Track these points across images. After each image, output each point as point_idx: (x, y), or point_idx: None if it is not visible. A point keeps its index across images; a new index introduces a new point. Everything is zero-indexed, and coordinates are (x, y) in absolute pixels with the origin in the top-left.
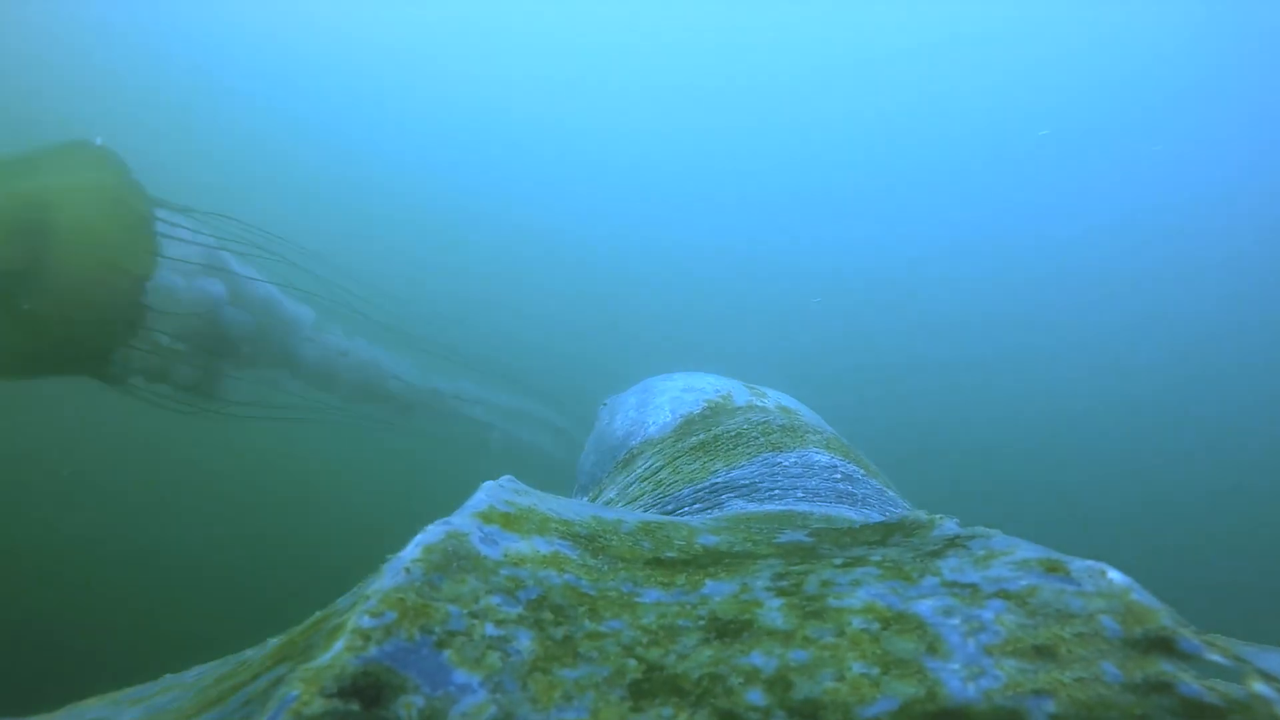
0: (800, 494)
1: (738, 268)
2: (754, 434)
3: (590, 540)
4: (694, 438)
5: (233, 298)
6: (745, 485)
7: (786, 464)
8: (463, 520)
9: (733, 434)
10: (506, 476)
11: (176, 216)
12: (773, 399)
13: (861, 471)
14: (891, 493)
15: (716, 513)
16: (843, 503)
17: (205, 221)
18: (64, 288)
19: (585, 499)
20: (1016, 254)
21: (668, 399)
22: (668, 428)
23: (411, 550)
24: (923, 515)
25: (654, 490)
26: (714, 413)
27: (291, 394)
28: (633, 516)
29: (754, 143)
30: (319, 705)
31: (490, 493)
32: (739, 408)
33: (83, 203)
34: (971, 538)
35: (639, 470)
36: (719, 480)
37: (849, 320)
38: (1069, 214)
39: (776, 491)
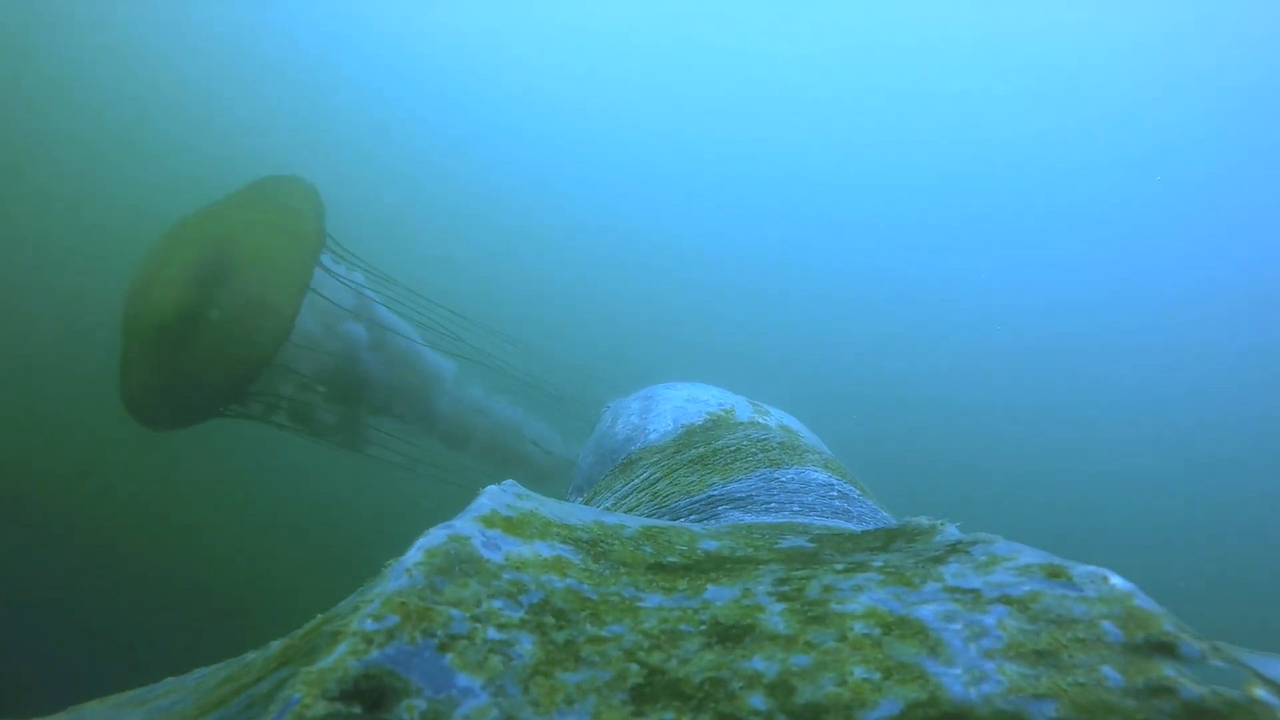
0: (796, 508)
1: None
2: (752, 450)
3: (592, 545)
4: (693, 450)
5: (374, 345)
6: (742, 498)
7: (784, 479)
8: (465, 524)
9: (732, 449)
10: (509, 481)
11: (336, 266)
12: (775, 418)
13: (857, 492)
14: (885, 514)
15: (714, 523)
16: (838, 519)
17: (358, 267)
18: (224, 329)
19: (580, 499)
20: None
21: (671, 407)
22: (668, 436)
23: (413, 554)
24: (924, 521)
25: (651, 501)
26: (715, 425)
27: (424, 448)
28: (635, 521)
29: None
30: (321, 708)
31: (492, 497)
32: (740, 423)
33: (257, 247)
34: (974, 543)
35: (637, 480)
36: (715, 493)
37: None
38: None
39: (773, 505)
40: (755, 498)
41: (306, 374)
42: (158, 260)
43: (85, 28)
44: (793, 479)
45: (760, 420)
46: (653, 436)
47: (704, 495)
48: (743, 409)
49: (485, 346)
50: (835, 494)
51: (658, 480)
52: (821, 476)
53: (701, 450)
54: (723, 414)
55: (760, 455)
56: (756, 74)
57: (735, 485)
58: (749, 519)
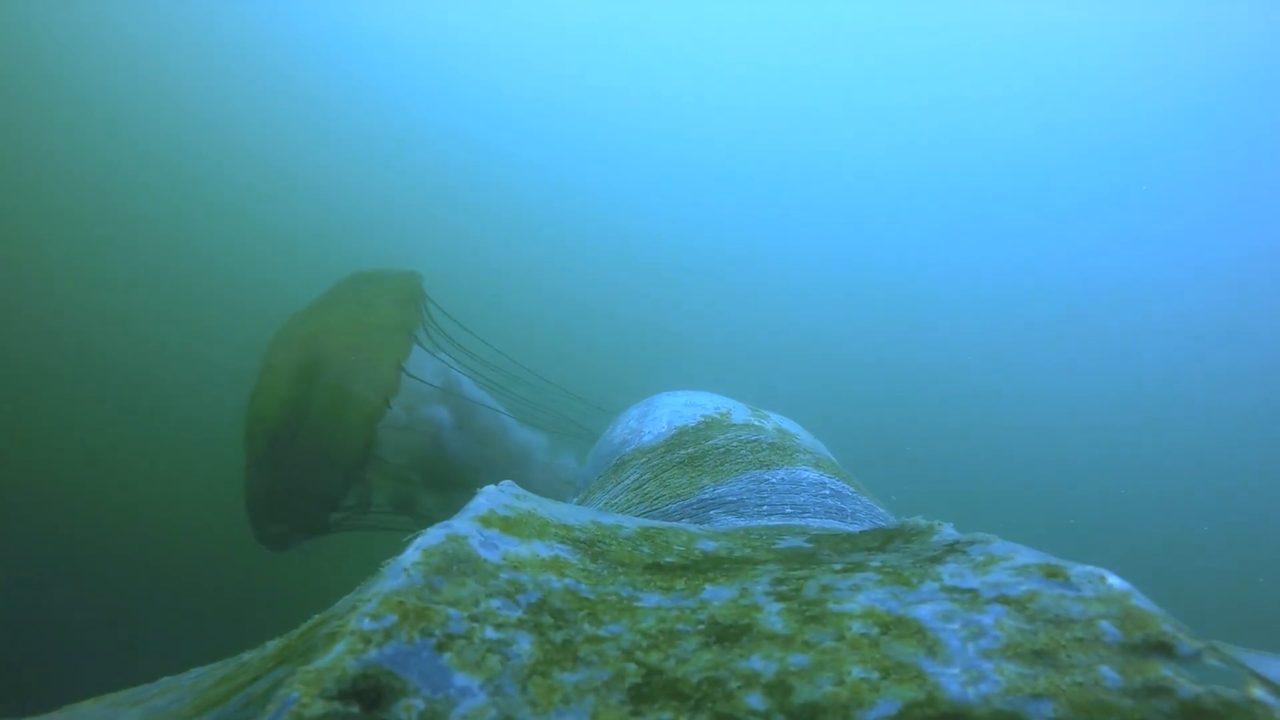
0: (789, 509)
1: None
2: (742, 451)
3: (590, 545)
4: (683, 450)
5: (459, 422)
6: (733, 501)
7: (774, 480)
8: (462, 524)
9: (721, 450)
10: (506, 482)
11: (427, 346)
12: (773, 421)
13: (851, 489)
14: (881, 510)
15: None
16: (833, 518)
17: (449, 349)
18: (316, 429)
19: (574, 501)
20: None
21: (668, 412)
22: (660, 437)
23: (411, 553)
24: (922, 521)
25: (640, 503)
26: (708, 427)
27: None
28: (632, 521)
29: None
30: (319, 707)
31: (490, 497)
32: (734, 425)
33: (351, 345)
34: (971, 543)
35: (627, 480)
36: (707, 496)
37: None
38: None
39: (765, 508)
40: (746, 501)
41: (399, 463)
42: (262, 369)
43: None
44: (783, 479)
45: (755, 423)
46: (646, 439)
47: (695, 499)
48: (739, 412)
49: (573, 415)
50: (828, 492)
51: (647, 482)
52: (813, 476)
53: (691, 451)
54: (718, 416)
55: (750, 457)
56: (772, 78)
57: (725, 488)
58: (742, 524)
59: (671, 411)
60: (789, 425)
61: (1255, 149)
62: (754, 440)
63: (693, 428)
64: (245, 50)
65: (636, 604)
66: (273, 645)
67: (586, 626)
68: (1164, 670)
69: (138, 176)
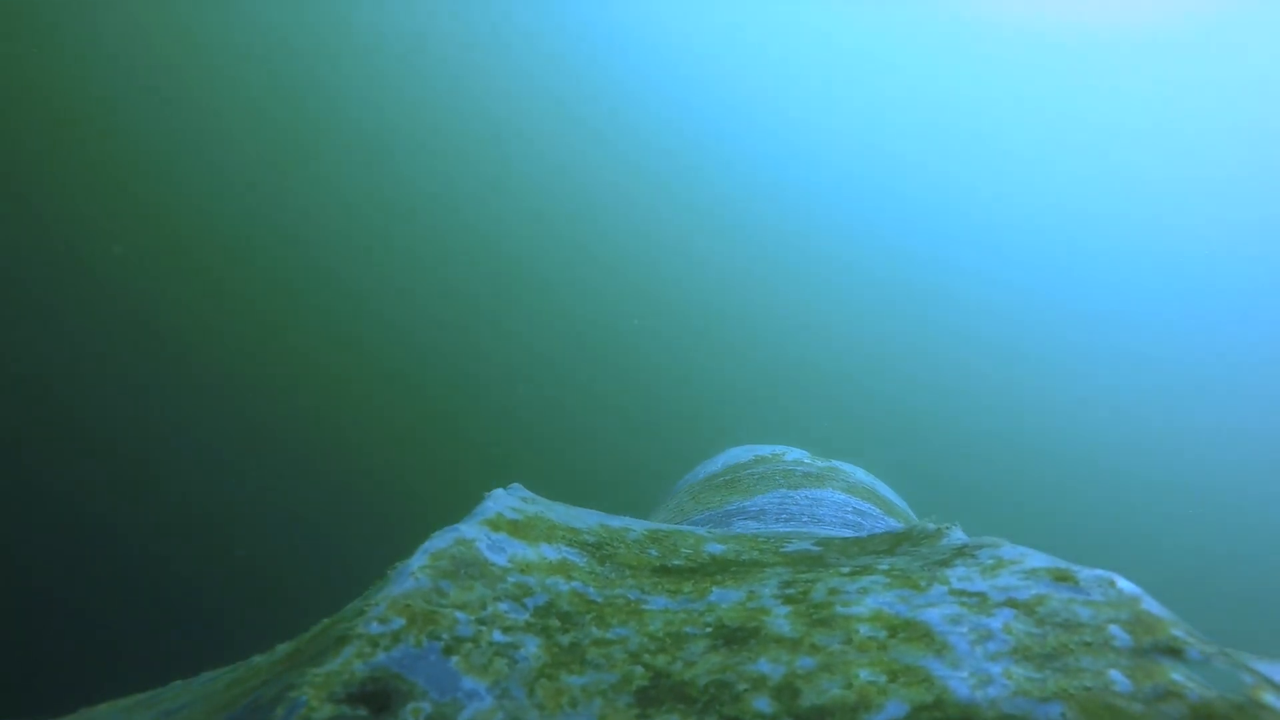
0: (806, 519)
1: None
2: (776, 477)
3: (597, 548)
4: (723, 478)
5: None
6: (755, 511)
7: (797, 497)
8: (470, 528)
9: (758, 476)
10: (515, 485)
11: None
12: (830, 463)
13: (879, 510)
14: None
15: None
16: (848, 529)
17: None
18: None
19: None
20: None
21: (726, 456)
22: (712, 474)
23: (419, 557)
24: (930, 525)
25: (674, 518)
26: (756, 462)
27: None
28: (640, 525)
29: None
30: (328, 711)
31: (498, 500)
32: (783, 460)
33: None
34: (980, 547)
35: (670, 506)
36: (732, 508)
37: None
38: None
39: (784, 516)
40: (768, 511)
41: None
42: None
43: None
44: (807, 496)
45: (807, 460)
46: (699, 476)
47: (722, 510)
48: (794, 454)
49: None
50: (850, 510)
51: (685, 503)
52: (840, 497)
53: (729, 478)
54: (771, 456)
55: (783, 480)
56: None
57: (750, 502)
58: (757, 528)
59: (730, 455)
60: (846, 466)
61: None
62: (790, 470)
63: (743, 463)
64: None
65: (644, 607)
66: (282, 649)
67: (594, 629)
68: (1174, 675)
69: None
